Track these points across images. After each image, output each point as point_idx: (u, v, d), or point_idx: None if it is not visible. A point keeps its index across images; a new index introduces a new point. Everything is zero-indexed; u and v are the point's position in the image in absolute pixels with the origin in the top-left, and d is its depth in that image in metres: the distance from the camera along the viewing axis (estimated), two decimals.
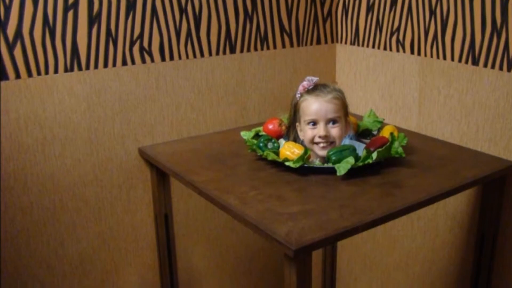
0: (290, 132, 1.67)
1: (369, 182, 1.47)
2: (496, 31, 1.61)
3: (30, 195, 1.67)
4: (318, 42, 2.15)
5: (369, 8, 2.02)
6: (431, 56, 1.83)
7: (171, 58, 1.83)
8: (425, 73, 1.87)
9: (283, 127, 1.71)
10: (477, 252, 1.75)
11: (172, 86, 1.85)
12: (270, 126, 1.74)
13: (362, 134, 1.77)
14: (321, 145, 1.55)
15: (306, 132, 1.57)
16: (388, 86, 2.02)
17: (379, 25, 2.00)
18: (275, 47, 2.04)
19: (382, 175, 1.51)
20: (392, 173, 1.53)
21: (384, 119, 1.83)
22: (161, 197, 1.86)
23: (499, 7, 1.59)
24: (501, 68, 1.62)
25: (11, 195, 1.64)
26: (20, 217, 1.67)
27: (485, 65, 1.67)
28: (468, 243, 1.86)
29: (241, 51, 1.96)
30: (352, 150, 1.52)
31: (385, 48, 2.00)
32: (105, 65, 1.71)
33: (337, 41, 2.21)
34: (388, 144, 1.53)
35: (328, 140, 1.55)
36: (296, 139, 1.65)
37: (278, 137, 1.70)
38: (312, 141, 1.57)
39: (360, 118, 1.85)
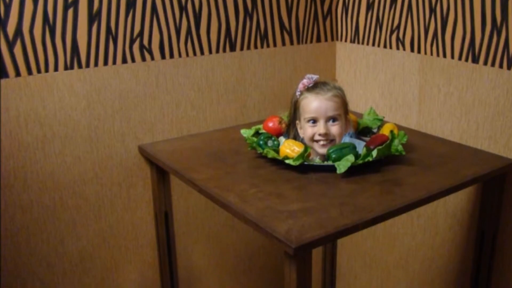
0: (290, 130, 1.67)
1: (369, 180, 1.47)
2: (496, 29, 1.61)
3: (30, 193, 1.67)
4: (318, 40, 2.15)
5: (369, 6, 2.02)
6: (431, 54, 1.83)
7: (171, 56, 1.83)
8: (425, 71, 1.87)
9: (283, 125, 1.71)
10: (477, 250, 1.75)
11: (172, 84, 1.85)
12: (270, 124, 1.74)
13: (362, 132, 1.77)
14: (321, 143, 1.56)
15: (306, 130, 1.57)
16: (388, 84, 2.02)
17: (379, 23, 2.00)
18: (275, 45, 2.04)
19: (382, 173, 1.52)
20: (392, 171, 1.53)
21: (384, 117, 1.83)
22: (161, 195, 1.86)
23: (499, 5, 1.59)
24: (501, 66, 1.62)
25: (11, 193, 1.64)
26: (20, 215, 1.67)
27: (485, 63, 1.67)
28: (468, 241, 1.86)
29: (241, 49, 1.96)
30: (352, 148, 1.52)
31: (385, 46, 2.00)
32: (105, 63, 1.71)
33: (337, 39, 2.21)
34: (388, 142, 1.53)
35: (328, 138, 1.55)
36: (296, 137, 1.65)
37: (278, 135, 1.70)
38: (312, 139, 1.57)
39: (360, 116, 1.85)
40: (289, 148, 1.56)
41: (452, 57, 1.76)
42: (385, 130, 1.65)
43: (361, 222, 1.26)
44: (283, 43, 2.06)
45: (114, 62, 1.73)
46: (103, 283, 1.89)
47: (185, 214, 2.00)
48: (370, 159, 1.50)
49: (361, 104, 2.14)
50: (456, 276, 1.94)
